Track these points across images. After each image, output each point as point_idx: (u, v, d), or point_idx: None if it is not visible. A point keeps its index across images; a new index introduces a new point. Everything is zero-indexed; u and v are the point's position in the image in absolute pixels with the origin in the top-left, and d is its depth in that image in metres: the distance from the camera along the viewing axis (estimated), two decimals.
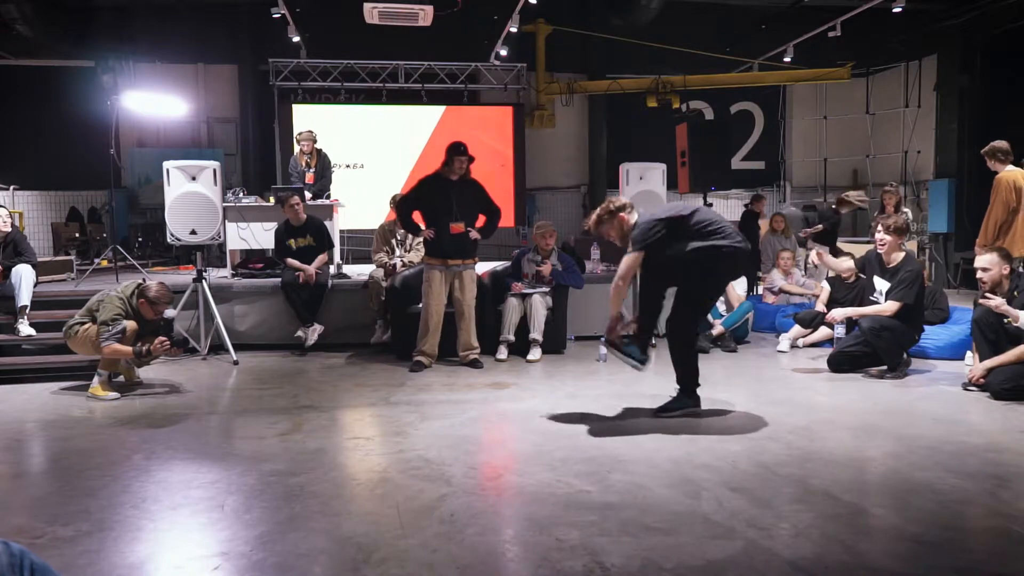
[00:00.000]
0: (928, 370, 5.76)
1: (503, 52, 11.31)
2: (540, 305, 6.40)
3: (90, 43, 11.74)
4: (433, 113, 11.90)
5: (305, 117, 11.07)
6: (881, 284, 5.61)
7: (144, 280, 5.49)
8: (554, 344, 6.59)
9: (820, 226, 8.44)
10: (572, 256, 7.26)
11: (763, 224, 10.14)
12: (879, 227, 5.72)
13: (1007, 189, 6.20)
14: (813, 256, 6.21)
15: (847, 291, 6.50)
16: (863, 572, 2.50)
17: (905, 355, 5.58)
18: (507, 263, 7.05)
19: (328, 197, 8.34)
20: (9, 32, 10.99)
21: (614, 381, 5.53)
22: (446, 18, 9.67)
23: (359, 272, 7.70)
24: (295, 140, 8.82)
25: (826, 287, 6.86)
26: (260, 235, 7.51)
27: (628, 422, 4.40)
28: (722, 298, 7.04)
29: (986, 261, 5.08)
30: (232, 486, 3.36)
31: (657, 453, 3.74)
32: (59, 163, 12.06)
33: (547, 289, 6.57)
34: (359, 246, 10.74)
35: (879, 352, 5.50)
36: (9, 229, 6.34)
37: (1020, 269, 5.68)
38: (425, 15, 9.22)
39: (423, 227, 5.95)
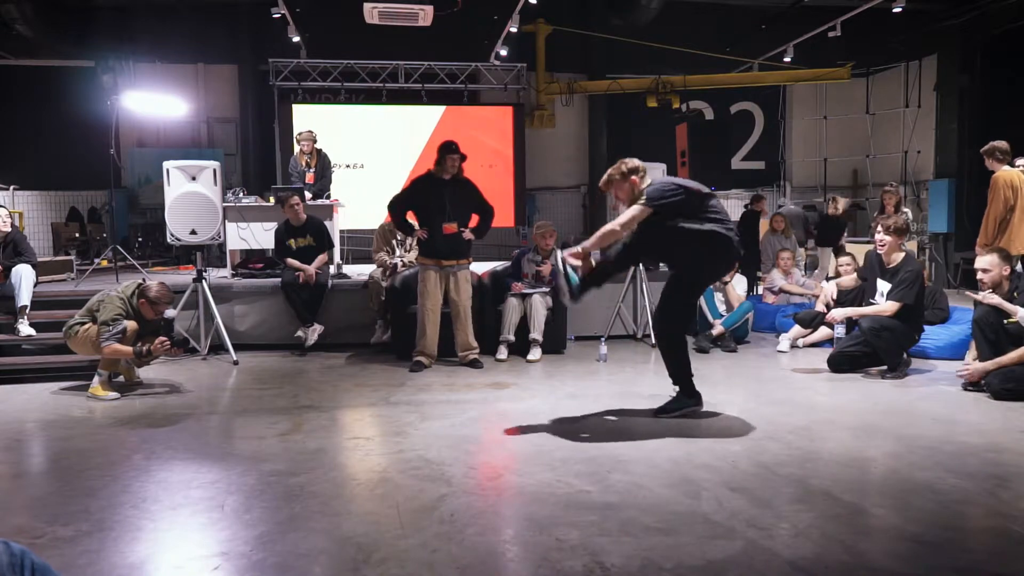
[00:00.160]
0: (928, 370, 5.76)
1: (503, 52, 11.31)
2: (540, 305, 6.41)
3: (90, 43, 11.74)
4: (433, 113, 11.90)
5: (305, 117, 11.07)
6: (882, 286, 5.61)
7: (144, 280, 5.49)
8: (554, 344, 6.59)
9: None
10: None
11: (763, 224, 10.15)
12: (879, 228, 5.73)
13: (1005, 187, 6.28)
14: (828, 299, 6.04)
15: (847, 291, 6.49)
16: (863, 572, 2.50)
17: (905, 355, 5.58)
18: (507, 263, 7.05)
19: (328, 197, 8.35)
20: (9, 32, 10.99)
21: (614, 381, 5.54)
22: (446, 18, 9.66)
23: (359, 272, 7.71)
24: (295, 140, 8.83)
25: (826, 287, 6.86)
26: (260, 235, 7.52)
27: (628, 422, 4.40)
28: (722, 298, 7.05)
29: (986, 262, 5.09)
30: (232, 486, 3.36)
31: (657, 453, 3.74)
32: (59, 163, 12.06)
33: (547, 289, 6.57)
34: (359, 246, 10.74)
35: (879, 352, 5.50)
36: (9, 229, 6.35)
37: (1019, 268, 5.69)
38: (425, 15, 9.22)
39: (417, 227, 5.96)
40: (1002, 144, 6.41)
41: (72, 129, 11.76)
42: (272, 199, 7.63)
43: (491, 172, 11.70)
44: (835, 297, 5.97)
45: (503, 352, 6.36)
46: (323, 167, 8.51)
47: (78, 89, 11.80)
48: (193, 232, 6.51)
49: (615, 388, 5.28)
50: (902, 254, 5.60)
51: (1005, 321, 4.92)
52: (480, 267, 6.41)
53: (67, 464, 3.75)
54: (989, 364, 4.88)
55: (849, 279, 6.10)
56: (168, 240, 6.69)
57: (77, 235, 11.08)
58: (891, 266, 5.57)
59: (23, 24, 10.76)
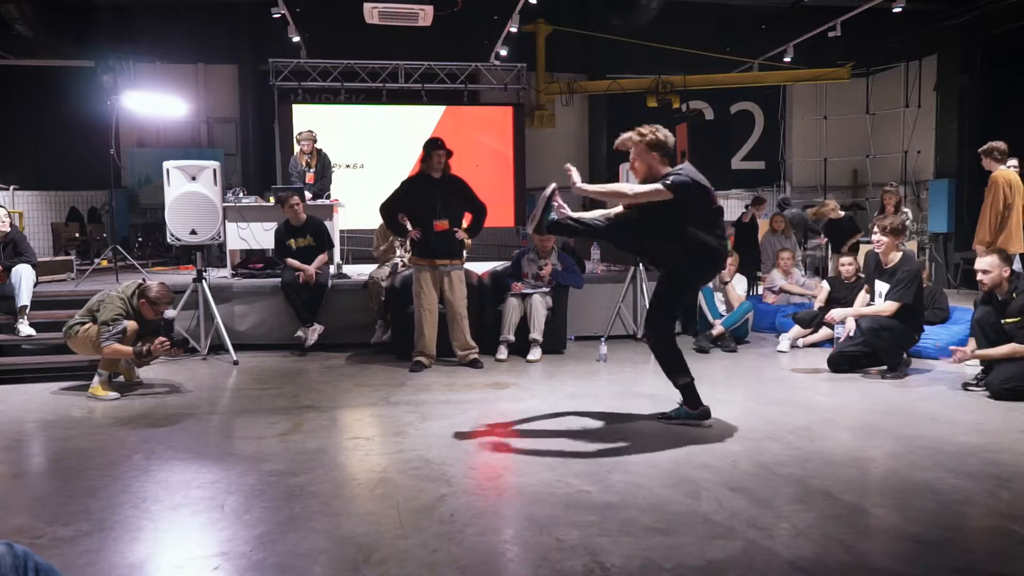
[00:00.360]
0: (928, 370, 5.76)
1: (503, 52, 11.31)
2: (540, 305, 6.40)
3: (90, 43, 11.74)
4: (433, 113, 11.90)
5: (305, 117, 11.07)
6: (881, 286, 5.61)
7: (144, 280, 5.49)
8: (554, 344, 6.59)
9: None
10: (572, 256, 7.27)
11: (763, 224, 10.15)
12: (875, 228, 5.73)
13: (1003, 185, 6.47)
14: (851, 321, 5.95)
15: (847, 291, 6.50)
16: (863, 572, 2.50)
17: (905, 355, 5.59)
18: (507, 263, 7.05)
19: (328, 197, 8.35)
20: (9, 32, 10.99)
21: (614, 381, 5.54)
22: (446, 18, 9.67)
23: (359, 272, 7.71)
24: (295, 140, 8.83)
25: (825, 287, 6.87)
26: (260, 235, 7.52)
27: (628, 422, 4.40)
28: (722, 298, 7.05)
29: (986, 263, 5.09)
30: (232, 486, 3.36)
31: (657, 453, 3.74)
32: (59, 163, 12.07)
33: (547, 289, 6.57)
34: (359, 246, 10.73)
35: (879, 352, 5.50)
36: (9, 229, 6.35)
37: (1017, 268, 5.70)
38: (425, 15, 9.22)
39: (409, 227, 5.93)
40: (1001, 145, 6.59)
41: (72, 129, 11.76)
42: (272, 199, 7.64)
43: (491, 172, 11.70)
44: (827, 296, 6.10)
45: (503, 352, 6.35)
46: (323, 167, 8.51)
47: (78, 89, 11.80)
48: (193, 232, 6.51)
49: (615, 388, 5.28)
50: (899, 254, 5.60)
51: (1004, 321, 4.92)
52: (480, 267, 6.41)
53: (67, 464, 3.75)
54: (979, 352, 4.94)
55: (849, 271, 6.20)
56: (168, 240, 6.69)
57: (77, 235, 11.09)
58: (889, 266, 5.57)
59: (23, 24, 10.76)
